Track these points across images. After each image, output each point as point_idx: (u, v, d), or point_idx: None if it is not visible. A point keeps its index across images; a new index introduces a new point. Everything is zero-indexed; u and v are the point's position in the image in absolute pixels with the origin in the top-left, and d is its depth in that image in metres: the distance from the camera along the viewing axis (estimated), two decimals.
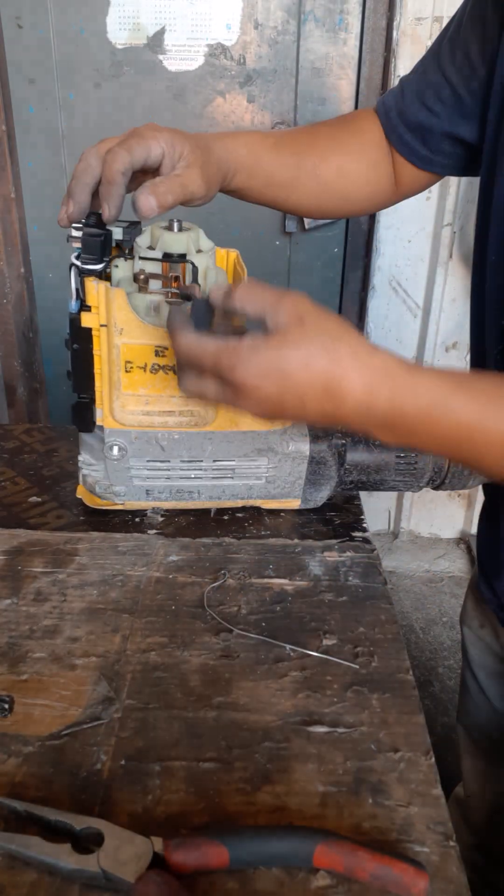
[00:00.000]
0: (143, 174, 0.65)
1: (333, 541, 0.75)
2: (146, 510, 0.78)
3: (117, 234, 0.67)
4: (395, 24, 1.67)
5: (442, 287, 1.89)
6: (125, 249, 0.70)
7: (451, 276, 1.88)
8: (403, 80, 0.77)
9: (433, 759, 0.50)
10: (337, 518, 0.79)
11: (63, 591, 0.66)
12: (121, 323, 0.65)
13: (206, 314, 0.54)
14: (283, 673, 0.57)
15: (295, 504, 0.78)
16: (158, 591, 0.66)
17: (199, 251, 0.67)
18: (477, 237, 0.70)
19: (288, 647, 0.60)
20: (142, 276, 0.64)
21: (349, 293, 1.99)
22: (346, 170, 0.78)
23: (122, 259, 0.68)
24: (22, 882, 0.42)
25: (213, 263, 0.69)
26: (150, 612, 0.63)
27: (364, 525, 0.78)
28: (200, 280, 0.66)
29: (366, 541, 0.75)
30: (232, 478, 0.75)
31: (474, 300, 0.71)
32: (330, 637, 0.61)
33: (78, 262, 0.64)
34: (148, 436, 0.71)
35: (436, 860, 0.44)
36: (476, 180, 0.70)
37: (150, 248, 0.66)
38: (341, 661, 0.59)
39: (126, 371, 0.67)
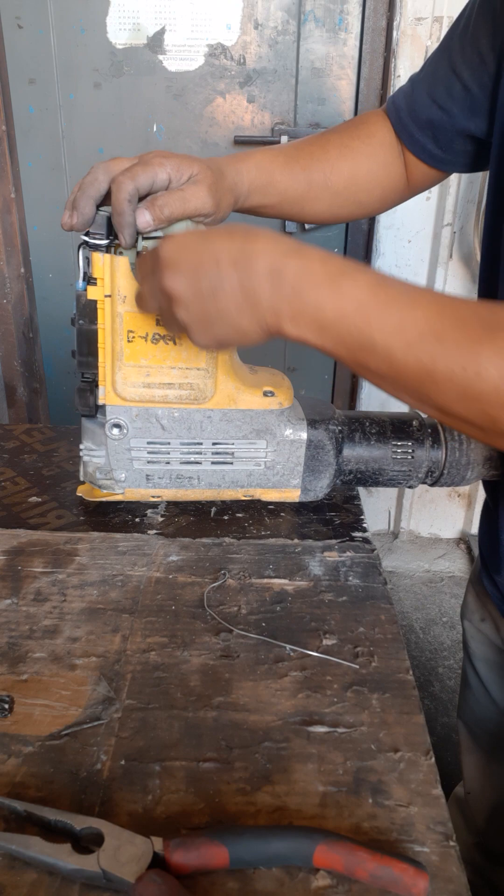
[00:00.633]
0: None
1: (333, 541, 0.75)
2: (146, 511, 0.78)
3: None
4: (395, 24, 1.67)
5: (442, 287, 1.89)
6: None
7: (451, 276, 1.88)
8: (413, 78, 0.77)
9: (433, 759, 0.50)
10: (337, 518, 0.79)
11: (63, 591, 0.66)
12: (124, 290, 0.68)
13: None
14: (283, 673, 0.57)
15: (295, 495, 0.78)
16: (158, 591, 0.66)
17: None
18: (486, 234, 0.69)
19: (288, 647, 0.60)
20: (144, 254, 0.66)
21: None
22: (357, 177, 0.78)
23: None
24: (22, 882, 0.42)
25: None
26: (150, 612, 0.64)
27: (364, 525, 0.78)
28: None
29: (366, 541, 0.75)
30: (231, 463, 0.75)
31: (482, 294, 0.71)
32: (330, 637, 0.61)
33: (87, 239, 0.67)
34: (148, 413, 0.72)
35: (436, 860, 0.44)
36: (476, 180, 0.70)
37: None
38: (341, 661, 0.59)
39: (128, 341, 0.70)
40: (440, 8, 1.64)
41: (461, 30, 0.70)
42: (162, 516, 0.78)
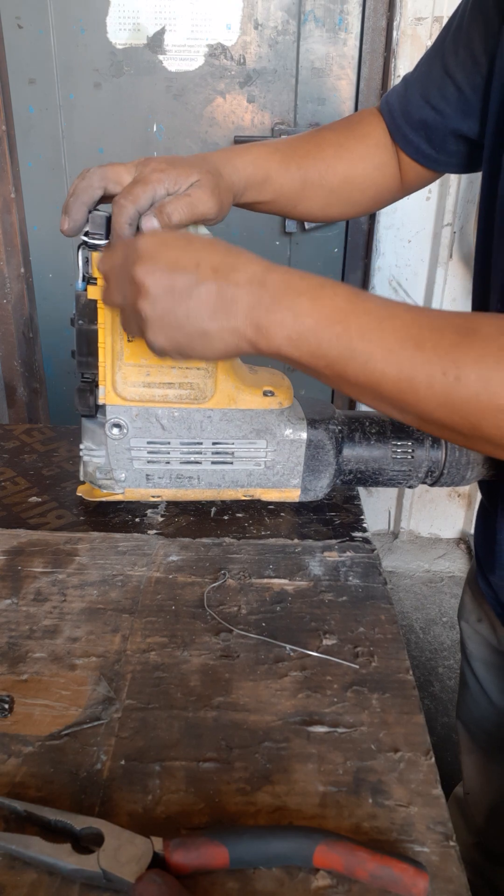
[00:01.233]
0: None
1: (333, 541, 0.75)
2: (146, 511, 0.78)
3: None
4: (395, 24, 1.67)
5: (442, 287, 1.89)
6: None
7: (451, 276, 1.88)
8: (407, 78, 0.77)
9: (433, 759, 0.50)
10: (337, 518, 0.79)
11: (63, 591, 0.66)
12: None
13: None
14: (283, 673, 0.57)
15: (295, 495, 0.78)
16: (158, 591, 0.66)
17: None
18: (479, 234, 0.70)
19: (288, 647, 0.60)
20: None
21: None
22: (352, 177, 0.79)
23: None
24: (22, 882, 0.42)
25: None
26: (150, 612, 0.64)
27: (364, 525, 0.78)
28: None
29: (366, 541, 0.75)
30: (231, 462, 0.75)
31: (477, 296, 0.71)
32: (330, 637, 0.61)
33: (86, 239, 0.67)
34: (148, 413, 0.72)
35: (436, 860, 0.44)
36: (476, 180, 0.70)
37: None
38: (341, 661, 0.59)
39: (128, 340, 0.70)
40: (440, 8, 1.64)
41: (454, 31, 0.70)
42: (162, 516, 0.78)
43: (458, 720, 0.93)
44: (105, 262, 0.58)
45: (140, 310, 0.54)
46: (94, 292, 0.68)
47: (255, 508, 0.80)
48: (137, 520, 0.77)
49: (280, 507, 0.80)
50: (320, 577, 0.69)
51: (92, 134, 1.84)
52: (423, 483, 0.78)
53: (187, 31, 1.74)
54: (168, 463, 0.75)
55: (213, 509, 0.80)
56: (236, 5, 1.72)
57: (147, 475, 0.76)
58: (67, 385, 2.15)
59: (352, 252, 1.95)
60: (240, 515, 0.79)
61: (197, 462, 0.75)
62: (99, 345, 0.70)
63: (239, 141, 1.83)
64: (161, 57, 1.77)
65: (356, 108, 1.81)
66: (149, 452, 0.74)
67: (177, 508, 0.79)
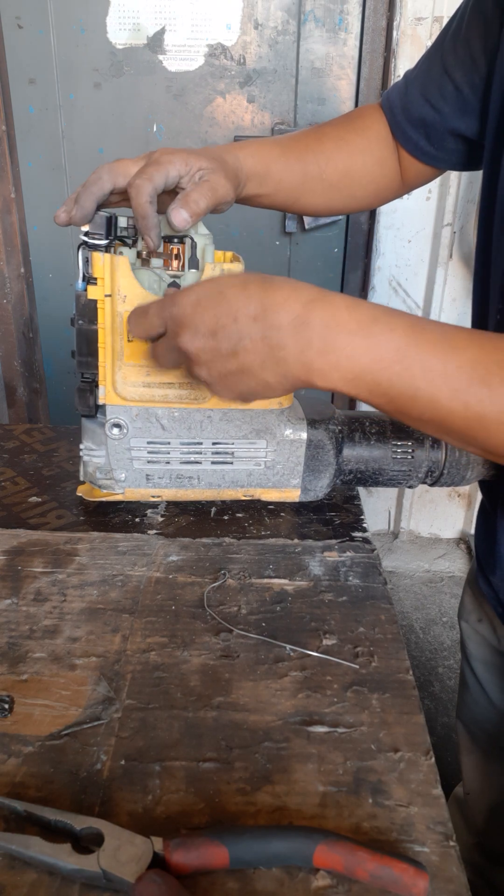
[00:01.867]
0: (165, 195, 0.67)
1: (333, 541, 0.75)
2: (146, 511, 0.78)
3: (122, 221, 0.69)
4: (395, 24, 1.67)
5: (442, 287, 1.89)
6: (129, 241, 0.72)
7: (451, 276, 1.88)
8: (407, 75, 0.77)
9: (433, 759, 0.50)
10: (337, 518, 0.79)
11: (63, 591, 0.66)
12: (124, 290, 0.68)
13: None
14: (283, 673, 0.57)
15: (295, 495, 0.78)
16: (158, 591, 0.66)
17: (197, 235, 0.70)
18: (480, 233, 0.70)
19: (288, 647, 0.60)
20: (144, 253, 0.69)
21: (349, 293, 1.99)
22: (352, 170, 0.78)
23: (126, 248, 0.71)
24: (22, 882, 0.42)
25: (211, 245, 0.70)
26: (150, 612, 0.64)
27: (364, 525, 0.78)
28: (199, 257, 0.70)
29: (366, 541, 0.75)
30: (231, 462, 0.75)
31: (477, 296, 0.71)
32: (330, 637, 0.61)
33: (86, 238, 0.67)
34: (148, 413, 0.72)
35: (436, 860, 0.44)
36: (476, 180, 0.70)
37: None
38: (341, 661, 0.59)
39: (128, 340, 0.70)
40: (440, 8, 1.64)
41: (453, 31, 0.71)
42: (162, 516, 0.78)
43: (458, 720, 0.93)
44: (141, 326, 0.57)
45: (198, 375, 0.54)
46: (94, 292, 0.68)
47: (255, 508, 0.80)
48: (137, 520, 0.77)
49: (280, 507, 0.80)
50: (320, 577, 0.69)
51: (92, 134, 1.84)
52: (423, 483, 0.78)
53: (187, 31, 1.74)
54: (168, 463, 0.75)
55: (213, 509, 0.80)
56: (236, 5, 1.72)
57: (147, 475, 0.76)
58: (67, 385, 2.15)
59: (352, 252, 1.95)
60: (240, 515, 0.79)
61: (197, 462, 0.75)
62: (99, 345, 0.70)
63: (239, 140, 1.83)
64: (161, 57, 1.77)
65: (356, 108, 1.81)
66: (149, 452, 0.74)
67: (177, 508, 0.79)
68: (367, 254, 1.92)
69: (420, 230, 1.85)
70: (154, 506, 0.80)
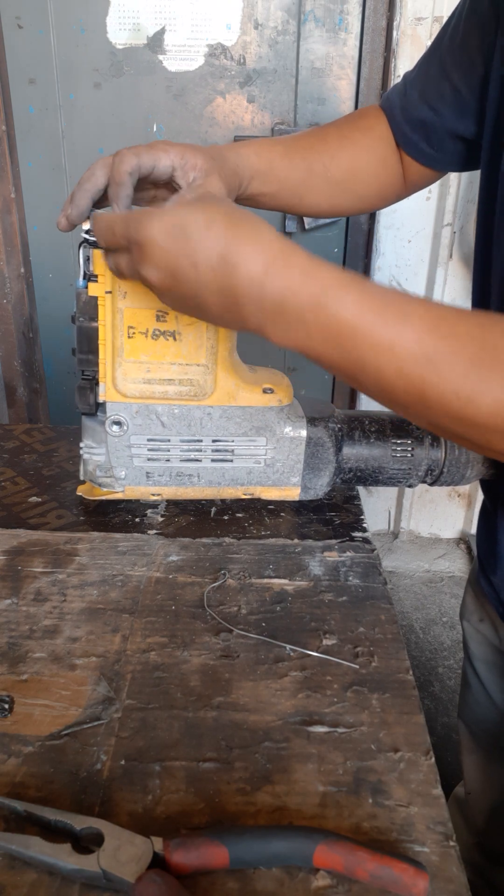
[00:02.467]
0: (154, 187, 0.67)
1: (333, 541, 0.75)
2: (146, 511, 0.78)
3: None
4: (395, 24, 1.67)
5: (442, 287, 1.89)
6: None
7: (451, 276, 1.88)
8: (406, 77, 0.77)
9: (433, 759, 0.50)
10: (337, 518, 0.79)
11: (63, 591, 0.66)
12: (125, 286, 0.68)
13: None
14: (283, 673, 0.57)
15: (295, 493, 0.78)
16: (158, 591, 0.66)
17: None
18: (479, 234, 0.70)
19: (288, 647, 0.60)
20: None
21: None
22: (356, 168, 0.78)
23: None
24: (22, 882, 0.42)
25: None
26: (150, 612, 0.63)
27: (364, 525, 0.78)
28: None
29: (366, 541, 0.75)
30: (231, 460, 0.75)
31: (476, 296, 0.71)
32: (330, 637, 0.61)
33: (87, 237, 0.67)
34: (148, 410, 0.72)
35: (436, 860, 0.44)
36: (476, 180, 0.70)
37: None
38: (341, 661, 0.59)
39: (129, 337, 0.70)
40: (440, 8, 1.64)
41: (451, 32, 0.71)
42: (162, 516, 0.78)
43: (459, 720, 0.93)
44: (104, 238, 0.56)
45: (165, 302, 0.55)
46: (94, 289, 0.68)
47: (255, 508, 0.80)
48: (137, 520, 0.77)
49: (280, 507, 0.80)
50: (320, 577, 0.69)
51: (92, 134, 1.84)
52: (423, 482, 0.78)
53: (187, 31, 1.74)
54: (168, 460, 0.75)
55: (213, 509, 0.79)
56: (236, 5, 1.72)
57: (147, 473, 0.76)
58: (67, 385, 2.15)
59: (352, 252, 1.95)
60: (240, 515, 0.78)
61: (197, 460, 0.75)
62: (99, 342, 0.70)
63: (239, 140, 1.83)
64: (161, 57, 1.77)
65: (356, 108, 1.81)
66: (149, 450, 0.74)
67: (177, 508, 0.79)
68: (367, 254, 1.92)
69: (420, 230, 1.85)
70: (154, 506, 0.80)
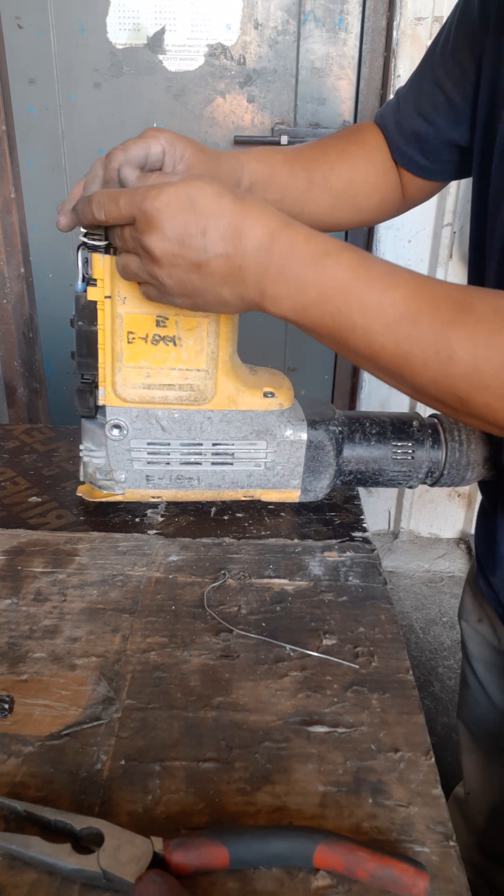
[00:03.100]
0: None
1: (333, 541, 0.75)
2: (146, 511, 0.78)
3: None
4: (395, 24, 1.67)
5: None
6: None
7: (451, 276, 1.88)
8: (399, 92, 0.78)
9: (433, 759, 0.50)
10: (337, 518, 0.79)
11: (63, 591, 0.66)
12: (124, 291, 0.68)
13: None
14: (283, 673, 0.57)
15: (295, 495, 0.78)
16: (158, 591, 0.66)
17: None
18: (472, 237, 0.70)
19: (288, 647, 0.60)
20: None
21: None
22: (355, 180, 0.79)
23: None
24: (22, 882, 0.42)
25: None
26: (150, 612, 0.64)
27: (364, 525, 0.78)
28: None
29: (366, 541, 0.75)
30: (231, 463, 0.75)
31: None
32: (330, 637, 0.61)
33: (86, 240, 0.67)
34: (148, 414, 0.72)
35: (436, 860, 0.44)
36: None
37: None
38: (341, 661, 0.59)
39: (128, 342, 0.70)
40: (440, 8, 1.64)
41: (442, 43, 0.72)
42: (162, 516, 0.78)
43: (459, 720, 0.93)
44: (108, 212, 0.56)
45: (156, 276, 0.55)
46: (93, 293, 0.68)
47: (255, 508, 0.80)
48: (137, 520, 0.77)
49: (280, 507, 0.80)
50: (320, 577, 0.69)
51: (92, 134, 1.84)
52: (424, 483, 0.78)
53: (187, 31, 1.74)
54: (168, 464, 0.75)
55: (213, 509, 0.80)
56: (236, 5, 1.72)
57: (147, 476, 0.76)
58: (67, 385, 2.15)
59: None
60: (240, 515, 0.79)
61: (197, 463, 0.75)
62: (98, 346, 0.70)
63: (239, 141, 1.83)
64: (161, 57, 1.77)
65: (356, 108, 1.81)
66: (149, 453, 0.74)
67: (177, 508, 0.79)
68: None
69: (420, 230, 1.85)
70: (154, 506, 0.80)
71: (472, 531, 2.18)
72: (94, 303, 0.68)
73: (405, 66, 1.69)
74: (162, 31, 1.74)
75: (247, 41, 1.75)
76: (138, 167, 0.63)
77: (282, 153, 0.76)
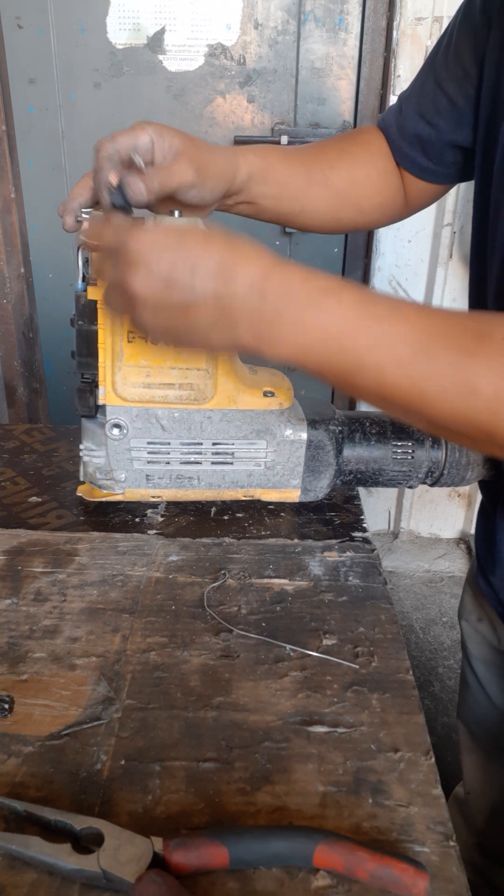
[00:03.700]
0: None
1: (333, 541, 0.75)
2: (146, 511, 0.78)
3: None
4: (395, 24, 1.67)
5: (442, 287, 1.89)
6: None
7: (451, 276, 1.88)
8: (401, 96, 0.78)
9: (433, 759, 0.50)
10: (337, 518, 0.79)
11: (63, 591, 0.66)
12: None
13: None
14: (283, 673, 0.57)
15: (295, 495, 0.78)
16: (158, 591, 0.66)
17: None
18: (474, 238, 0.70)
19: (288, 647, 0.60)
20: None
21: None
22: (357, 179, 0.78)
23: None
24: (22, 882, 0.42)
25: None
26: (150, 612, 0.64)
27: (364, 525, 0.78)
28: None
29: (366, 541, 0.75)
30: (231, 463, 0.75)
31: (472, 297, 0.71)
32: (330, 637, 0.61)
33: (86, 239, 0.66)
34: (148, 413, 0.72)
35: (436, 860, 0.44)
36: None
37: None
38: (341, 661, 0.59)
39: (128, 341, 0.69)
40: (440, 8, 1.64)
41: (444, 46, 0.72)
42: (162, 516, 0.78)
43: (458, 720, 0.93)
44: (95, 239, 0.55)
45: (139, 318, 0.53)
46: (93, 293, 0.68)
47: (255, 508, 0.80)
48: (137, 520, 0.77)
49: (280, 507, 0.80)
50: (320, 577, 0.69)
51: (92, 134, 1.84)
52: (424, 483, 0.78)
53: (187, 31, 1.74)
54: (168, 463, 0.75)
55: (213, 509, 0.80)
56: (236, 5, 1.72)
57: (147, 475, 0.76)
58: (67, 385, 2.15)
59: (352, 252, 1.95)
60: (240, 515, 0.79)
61: (197, 462, 0.75)
62: (99, 345, 0.70)
63: (239, 141, 1.83)
64: (161, 57, 1.77)
65: (356, 108, 1.81)
66: (149, 453, 0.74)
67: (177, 508, 0.79)
68: (367, 254, 1.92)
69: (420, 230, 1.85)
70: (154, 506, 0.80)
71: (472, 531, 2.18)
72: (95, 302, 0.68)
73: (405, 67, 1.69)
74: (162, 31, 1.74)
75: (247, 41, 1.75)
76: (127, 157, 0.63)
77: (280, 150, 0.76)
